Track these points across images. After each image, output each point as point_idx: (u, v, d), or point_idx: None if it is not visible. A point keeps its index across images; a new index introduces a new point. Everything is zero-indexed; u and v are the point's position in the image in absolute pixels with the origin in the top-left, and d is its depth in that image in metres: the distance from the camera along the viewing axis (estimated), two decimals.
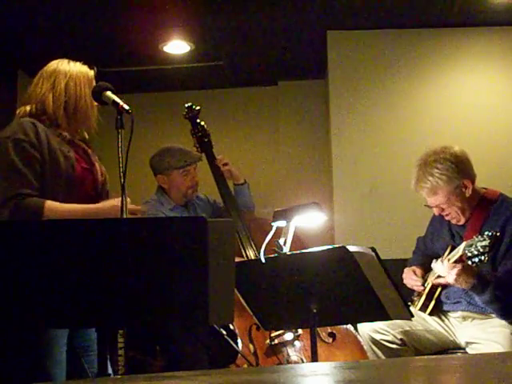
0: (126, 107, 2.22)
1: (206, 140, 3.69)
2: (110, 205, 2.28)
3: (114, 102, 2.25)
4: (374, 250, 2.24)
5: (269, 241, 2.37)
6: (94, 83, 2.48)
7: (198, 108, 3.72)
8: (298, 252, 2.38)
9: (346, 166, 4.70)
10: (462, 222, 3.03)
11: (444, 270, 2.83)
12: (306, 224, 2.56)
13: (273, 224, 2.48)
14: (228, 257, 1.66)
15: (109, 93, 2.30)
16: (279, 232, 2.45)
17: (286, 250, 2.38)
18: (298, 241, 3.09)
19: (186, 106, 3.74)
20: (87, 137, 2.57)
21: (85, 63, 2.53)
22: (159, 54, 4.95)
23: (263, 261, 2.35)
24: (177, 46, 4.87)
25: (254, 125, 5.72)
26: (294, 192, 5.04)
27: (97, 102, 2.38)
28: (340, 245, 2.26)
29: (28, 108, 2.41)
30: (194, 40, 4.81)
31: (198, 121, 3.70)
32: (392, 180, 4.57)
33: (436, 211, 3.04)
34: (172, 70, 5.27)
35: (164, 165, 3.58)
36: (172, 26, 4.56)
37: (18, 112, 2.44)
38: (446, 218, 3.07)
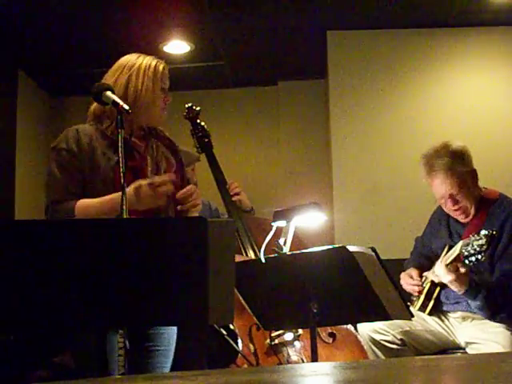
0: (126, 107, 2.22)
1: (206, 140, 3.68)
2: (141, 186, 2.23)
3: (114, 102, 2.25)
4: (374, 249, 2.24)
5: (269, 241, 2.37)
6: (165, 78, 2.49)
7: (198, 108, 3.71)
8: (298, 252, 2.38)
9: (346, 166, 4.70)
10: (468, 219, 3.03)
11: (440, 272, 2.85)
12: (305, 224, 2.56)
13: (273, 224, 2.48)
14: (228, 257, 1.66)
15: (109, 93, 2.30)
16: (279, 232, 2.45)
17: (286, 250, 2.38)
18: (298, 241, 3.09)
19: (187, 106, 3.74)
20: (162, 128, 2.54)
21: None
22: (159, 54, 4.92)
23: (263, 261, 2.35)
24: (177, 46, 4.87)
25: (254, 125, 5.72)
26: (294, 192, 5.04)
27: (97, 102, 2.37)
28: (340, 245, 2.27)
29: (92, 108, 2.43)
30: (194, 40, 4.81)
31: (199, 121, 3.69)
32: (392, 180, 4.57)
33: (449, 203, 3.00)
34: (172, 70, 5.25)
35: None
36: (172, 26, 4.57)
37: (89, 111, 2.46)
38: (456, 214, 3.03)
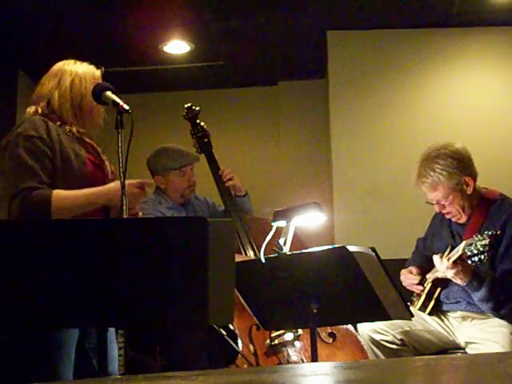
0: (126, 107, 2.22)
1: (205, 140, 3.68)
2: (114, 186, 2.29)
3: (114, 102, 2.25)
4: (374, 250, 2.24)
5: (269, 241, 2.37)
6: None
7: (197, 108, 3.70)
8: (298, 252, 2.38)
9: (346, 166, 4.70)
10: (462, 221, 3.03)
11: (443, 268, 2.84)
12: (305, 224, 2.56)
13: (273, 224, 2.48)
14: (228, 257, 1.66)
15: (109, 93, 2.30)
16: (279, 232, 2.45)
17: (286, 249, 2.38)
18: (298, 241, 3.09)
19: (186, 106, 3.73)
20: (93, 136, 2.58)
21: (88, 63, 2.54)
22: (159, 54, 4.95)
23: (263, 261, 2.35)
24: (177, 46, 4.87)
25: (254, 125, 5.72)
26: (294, 192, 5.03)
27: (97, 102, 2.38)
28: (340, 245, 2.27)
29: (36, 108, 2.43)
30: (194, 40, 4.81)
31: (198, 121, 3.69)
32: (392, 180, 4.56)
33: (437, 208, 3.05)
34: (172, 70, 5.26)
35: (161, 165, 3.58)
36: (172, 26, 4.57)
37: (27, 111, 2.45)
38: (447, 216, 3.07)
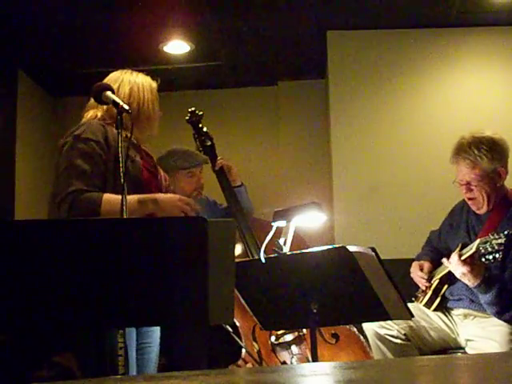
0: (126, 107, 2.23)
1: (208, 144, 3.66)
2: (169, 196, 2.33)
3: (114, 102, 2.26)
4: (374, 249, 2.23)
5: (269, 241, 2.37)
6: (157, 95, 2.58)
7: (201, 113, 3.67)
8: (298, 252, 2.38)
9: (346, 165, 4.70)
10: (482, 211, 3.02)
11: (453, 264, 2.80)
12: (305, 224, 2.56)
13: (273, 224, 2.48)
14: (228, 257, 1.66)
15: (109, 93, 2.30)
16: (279, 232, 2.45)
17: (286, 249, 2.38)
18: (300, 240, 3.10)
19: (190, 110, 3.70)
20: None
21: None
22: (159, 54, 4.95)
23: (263, 261, 2.35)
24: (177, 46, 4.87)
25: (254, 125, 5.72)
26: (294, 192, 5.03)
27: (97, 102, 2.38)
28: (340, 245, 2.26)
29: (96, 112, 2.45)
30: (194, 40, 4.81)
31: (201, 126, 3.67)
32: (392, 180, 4.57)
33: (463, 189, 3.02)
34: (172, 70, 5.26)
35: (169, 165, 3.59)
36: (172, 26, 4.57)
37: (85, 115, 2.46)
38: (469, 202, 3.04)
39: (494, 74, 4.71)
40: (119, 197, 2.23)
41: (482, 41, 4.70)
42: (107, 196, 2.26)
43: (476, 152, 2.97)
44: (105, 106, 2.43)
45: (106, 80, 2.52)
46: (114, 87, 2.44)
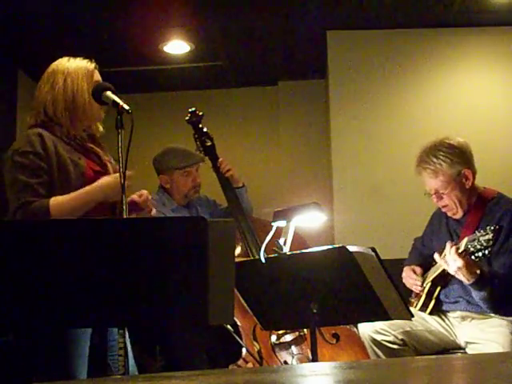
0: (126, 107, 2.22)
1: (209, 144, 3.65)
2: (108, 179, 2.32)
3: (114, 102, 2.25)
4: (374, 250, 2.23)
5: (269, 241, 2.37)
6: (96, 76, 2.48)
7: (201, 114, 3.66)
8: (298, 252, 2.38)
9: (346, 166, 4.70)
10: (458, 216, 3.04)
11: (450, 257, 2.77)
12: (306, 224, 2.56)
13: (273, 224, 2.48)
14: (228, 257, 1.66)
15: (109, 93, 2.30)
16: (279, 232, 2.45)
17: (286, 249, 2.38)
18: (300, 240, 3.09)
19: (190, 110, 3.69)
20: (98, 135, 2.57)
21: (81, 58, 2.53)
22: (159, 54, 4.95)
23: (263, 261, 2.34)
24: (177, 46, 4.88)
25: (254, 125, 5.72)
26: (294, 192, 5.04)
27: (97, 102, 2.37)
28: (340, 245, 2.26)
29: (35, 117, 2.43)
30: (194, 40, 4.81)
31: (201, 126, 3.66)
32: (392, 180, 4.57)
33: (434, 199, 3.05)
34: (172, 70, 5.27)
35: (166, 165, 3.59)
36: (172, 26, 4.57)
37: (28, 120, 2.45)
38: (443, 210, 3.07)
39: (494, 73, 4.71)
40: (65, 196, 2.27)
41: (481, 41, 4.70)
42: (53, 199, 2.26)
43: (434, 160, 2.98)
44: (41, 109, 2.41)
45: (44, 74, 2.50)
46: (49, 84, 2.43)
